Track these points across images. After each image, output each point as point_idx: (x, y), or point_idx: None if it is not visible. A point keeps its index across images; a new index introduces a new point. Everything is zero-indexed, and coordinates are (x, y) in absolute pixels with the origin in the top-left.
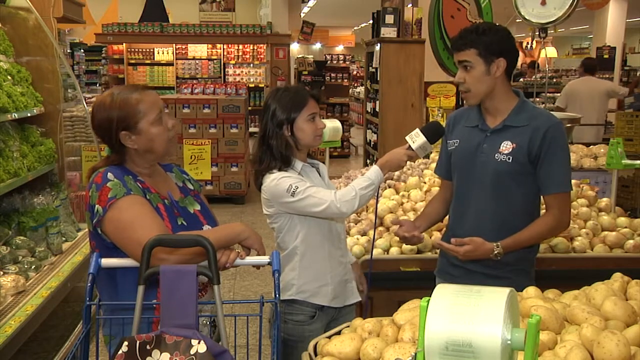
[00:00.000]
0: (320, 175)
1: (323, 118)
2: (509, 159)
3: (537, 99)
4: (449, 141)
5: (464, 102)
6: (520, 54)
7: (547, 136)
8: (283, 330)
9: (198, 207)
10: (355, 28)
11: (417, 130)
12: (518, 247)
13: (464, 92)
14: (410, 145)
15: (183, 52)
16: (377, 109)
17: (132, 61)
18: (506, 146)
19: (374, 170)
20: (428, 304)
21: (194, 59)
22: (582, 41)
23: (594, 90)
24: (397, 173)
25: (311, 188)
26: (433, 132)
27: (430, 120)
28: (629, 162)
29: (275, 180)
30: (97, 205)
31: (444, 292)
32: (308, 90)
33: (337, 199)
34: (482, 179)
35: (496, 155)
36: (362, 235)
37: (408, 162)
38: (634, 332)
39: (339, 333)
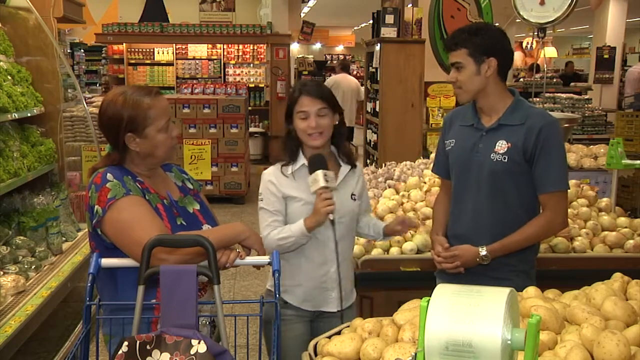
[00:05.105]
0: None
1: None
2: (504, 158)
3: (537, 99)
4: (445, 141)
5: (457, 99)
6: (520, 54)
7: (542, 134)
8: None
9: (197, 207)
10: (355, 28)
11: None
12: (507, 251)
13: (456, 89)
14: (319, 188)
15: (183, 52)
16: (377, 109)
17: (132, 61)
18: (501, 146)
19: (297, 225)
20: (428, 304)
21: (194, 59)
22: (582, 41)
23: None
24: (397, 173)
25: (263, 207)
26: (314, 163)
27: (430, 120)
28: (629, 162)
29: (264, 176)
30: (96, 206)
31: (444, 292)
32: (304, 87)
33: (266, 235)
34: (478, 179)
35: (492, 155)
36: None
37: (406, 165)
38: (634, 332)
39: (339, 333)
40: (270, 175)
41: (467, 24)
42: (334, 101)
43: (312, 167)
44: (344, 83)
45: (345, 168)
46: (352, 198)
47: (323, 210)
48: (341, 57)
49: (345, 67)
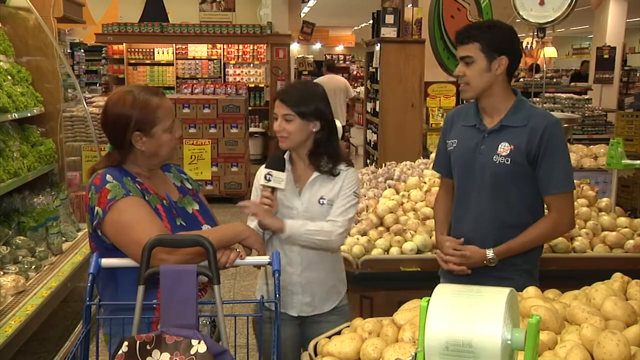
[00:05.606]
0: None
1: None
2: (507, 160)
3: (537, 99)
4: (447, 141)
5: (461, 96)
6: None
7: (545, 136)
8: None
9: (197, 207)
10: (355, 28)
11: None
12: (513, 253)
13: (462, 85)
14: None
15: (183, 52)
16: (377, 109)
17: (132, 61)
18: (504, 147)
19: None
20: (428, 304)
21: (194, 59)
22: (582, 41)
23: None
24: (397, 173)
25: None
26: (268, 162)
27: (430, 120)
28: (629, 162)
29: (257, 173)
30: (96, 207)
31: (444, 292)
32: (281, 91)
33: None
34: (480, 180)
35: (494, 157)
36: (362, 235)
37: (406, 165)
38: (634, 332)
39: (339, 333)
40: (260, 172)
41: (479, 21)
42: (307, 109)
43: (266, 165)
44: (329, 84)
45: (315, 173)
46: (319, 202)
47: (265, 205)
48: (341, 57)
49: (330, 67)
